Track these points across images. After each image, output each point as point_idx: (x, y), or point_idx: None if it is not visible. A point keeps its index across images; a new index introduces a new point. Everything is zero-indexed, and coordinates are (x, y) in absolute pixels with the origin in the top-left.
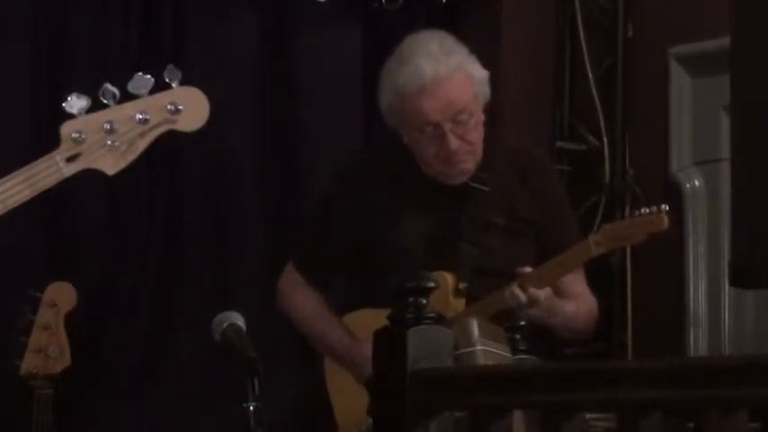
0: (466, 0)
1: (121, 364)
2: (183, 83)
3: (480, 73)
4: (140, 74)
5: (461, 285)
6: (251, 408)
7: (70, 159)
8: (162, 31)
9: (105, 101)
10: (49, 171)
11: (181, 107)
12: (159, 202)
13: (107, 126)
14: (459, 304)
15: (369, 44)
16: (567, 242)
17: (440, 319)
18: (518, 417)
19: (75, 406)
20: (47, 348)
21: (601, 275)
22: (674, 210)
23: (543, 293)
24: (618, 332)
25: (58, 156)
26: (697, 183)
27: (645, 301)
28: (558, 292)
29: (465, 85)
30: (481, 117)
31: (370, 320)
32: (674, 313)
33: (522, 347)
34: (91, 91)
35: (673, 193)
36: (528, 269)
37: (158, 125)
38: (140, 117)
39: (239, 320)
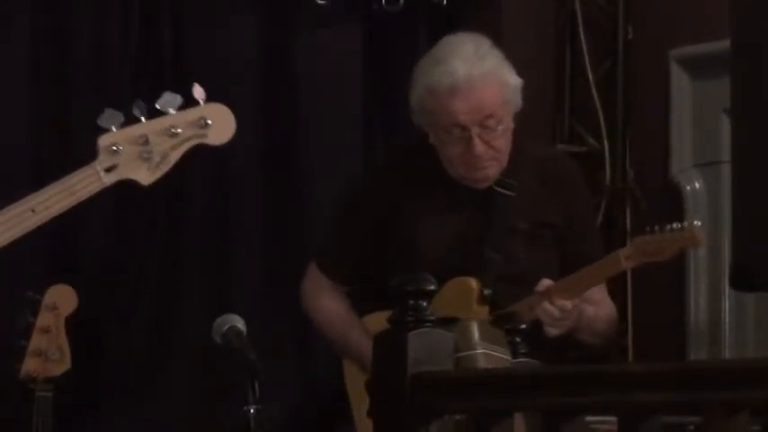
0: (466, 2)
1: (122, 368)
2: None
3: (514, 80)
4: (169, 92)
5: (486, 292)
6: (251, 410)
7: (108, 170)
8: (162, 31)
9: (138, 116)
10: (90, 180)
11: (209, 122)
12: (159, 204)
13: (142, 139)
14: (483, 311)
15: (369, 45)
16: (588, 249)
17: (440, 322)
18: (518, 420)
19: (75, 409)
20: (47, 351)
21: None
22: (674, 212)
23: (571, 303)
24: (618, 335)
25: (99, 166)
26: (697, 185)
27: (645, 303)
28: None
29: (497, 90)
30: (510, 125)
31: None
32: (675, 316)
33: (523, 350)
34: (97, 95)
35: (673, 196)
36: (547, 281)
37: (189, 139)
38: (172, 131)
39: (240, 323)
